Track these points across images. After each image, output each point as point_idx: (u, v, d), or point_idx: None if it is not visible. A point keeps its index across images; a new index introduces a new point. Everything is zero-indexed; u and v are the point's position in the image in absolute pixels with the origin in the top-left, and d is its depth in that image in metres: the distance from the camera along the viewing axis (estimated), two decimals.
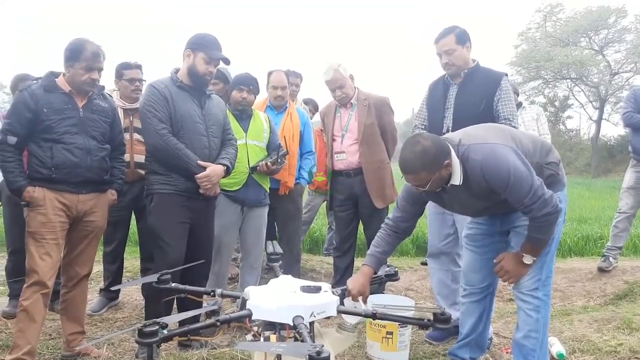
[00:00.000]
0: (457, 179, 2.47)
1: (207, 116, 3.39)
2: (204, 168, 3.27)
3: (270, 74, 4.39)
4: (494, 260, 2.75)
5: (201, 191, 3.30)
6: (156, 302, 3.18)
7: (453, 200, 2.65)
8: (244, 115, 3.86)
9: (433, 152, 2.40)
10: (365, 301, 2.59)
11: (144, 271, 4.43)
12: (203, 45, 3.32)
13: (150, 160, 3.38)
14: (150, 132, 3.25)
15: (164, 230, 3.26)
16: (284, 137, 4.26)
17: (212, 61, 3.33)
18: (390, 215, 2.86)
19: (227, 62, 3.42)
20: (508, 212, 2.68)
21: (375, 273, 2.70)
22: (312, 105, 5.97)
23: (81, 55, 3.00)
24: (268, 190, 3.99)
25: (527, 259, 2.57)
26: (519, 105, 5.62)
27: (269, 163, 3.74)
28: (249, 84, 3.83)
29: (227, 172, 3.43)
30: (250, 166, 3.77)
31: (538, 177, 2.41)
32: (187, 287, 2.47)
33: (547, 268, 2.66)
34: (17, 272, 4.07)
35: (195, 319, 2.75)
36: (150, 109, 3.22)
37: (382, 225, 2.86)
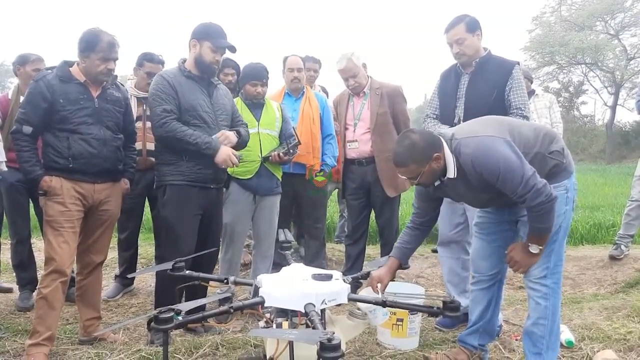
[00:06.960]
0: (451, 172, 2.54)
1: (216, 106, 3.40)
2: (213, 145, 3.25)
3: (285, 58, 4.39)
4: (505, 252, 2.78)
5: (220, 163, 3.27)
6: (169, 289, 3.22)
7: (455, 193, 2.71)
8: (256, 104, 3.88)
9: (421, 145, 2.49)
10: (382, 290, 2.67)
11: (158, 258, 4.50)
12: (208, 34, 3.32)
13: (161, 150, 3.37)
14: (156, 122, 3.25)
15: (179, 223, 3.29)
16: (303, 122, 4.29)
17: (219, 50, 3.34)
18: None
19: (233, 50, 3.42)
20: (515, 203, 2.70)
21: (400, 265, 2.86)
22: (322, 91, 5.95)
23: (97, 46, 3.01)
24: (280, 179, 4.01)
25: (534, 249, 2.60)
26: (532, 92, 5.59)
27: (281, 153, 3.76)
28: (262, 77, 3.85)
29: (239, 138, 3.44)
30: (263, 156, 3.79)
31: (532, 166, 2.43)
32: (201, 274, 2.52)
33: (556, 256, 2.67)
34: (24, 261, 4.18)
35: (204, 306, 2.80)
36: (158, 98, 3.22)
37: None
